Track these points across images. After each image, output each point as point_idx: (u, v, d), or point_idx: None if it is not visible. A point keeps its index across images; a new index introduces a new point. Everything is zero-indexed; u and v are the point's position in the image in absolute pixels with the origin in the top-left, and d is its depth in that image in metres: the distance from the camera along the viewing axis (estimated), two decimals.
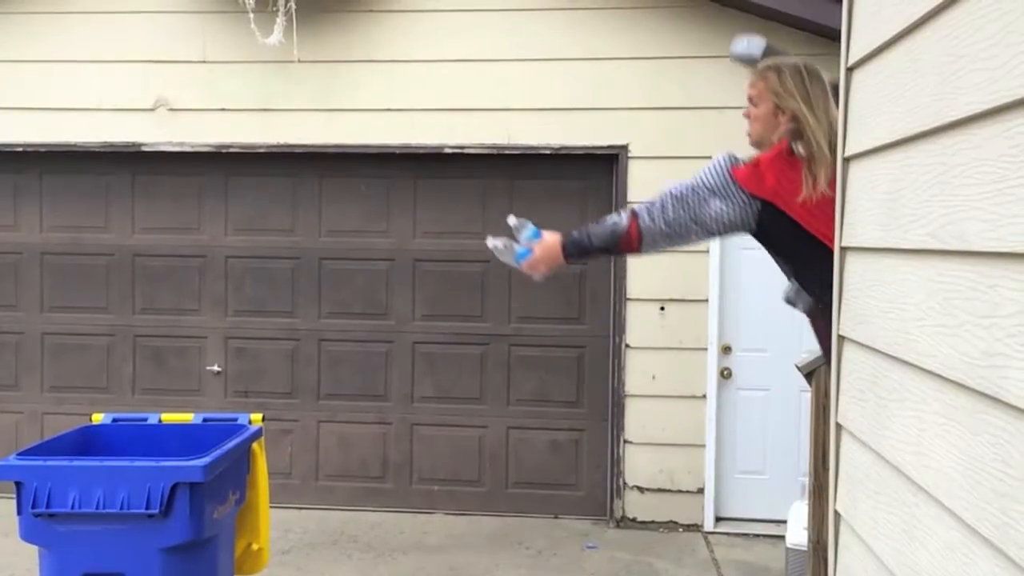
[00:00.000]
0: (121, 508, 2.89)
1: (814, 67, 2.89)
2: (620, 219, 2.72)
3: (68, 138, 5.75)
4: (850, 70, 2.27)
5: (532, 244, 2.81)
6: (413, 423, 5.84)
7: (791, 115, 2.80)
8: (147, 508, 2.88)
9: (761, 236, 2.80)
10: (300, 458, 5.88)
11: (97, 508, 2.90)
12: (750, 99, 2.95)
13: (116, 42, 5.70)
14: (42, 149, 5.80)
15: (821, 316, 2.66)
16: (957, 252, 1.56)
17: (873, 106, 2.07)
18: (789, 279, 2.91)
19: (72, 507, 2.90)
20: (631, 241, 2.72)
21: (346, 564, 4.91)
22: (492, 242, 2.91)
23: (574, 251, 2.78)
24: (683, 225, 2.71)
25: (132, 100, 5.70)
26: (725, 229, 2.75)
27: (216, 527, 3.12)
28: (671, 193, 2.75)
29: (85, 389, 5.96)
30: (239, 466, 3.36)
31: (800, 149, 2.72)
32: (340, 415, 5.88)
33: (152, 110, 5.71)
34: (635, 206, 2.79)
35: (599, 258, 2.71)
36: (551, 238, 2.80)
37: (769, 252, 2.88)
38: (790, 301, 2.92)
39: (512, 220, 2.91)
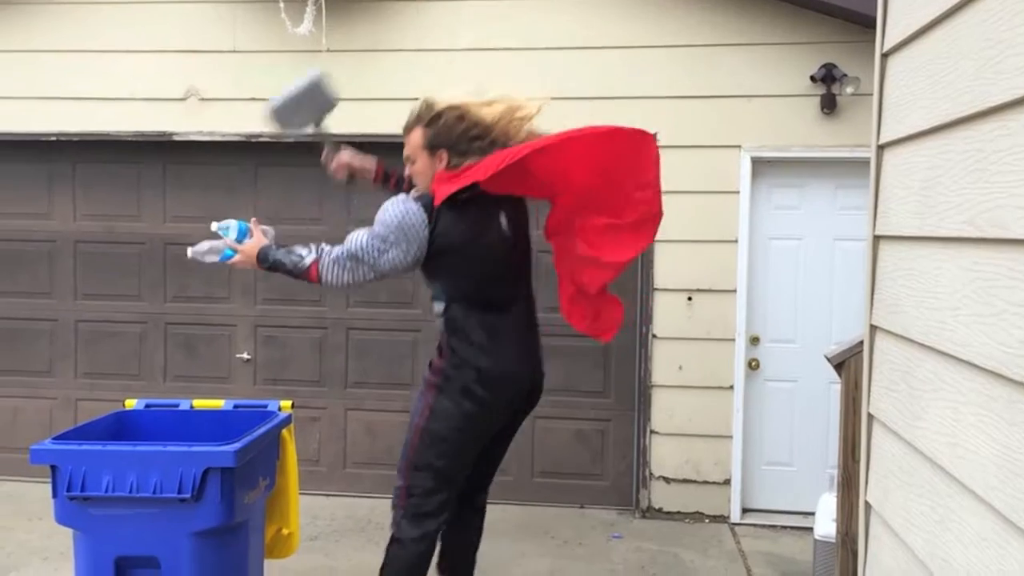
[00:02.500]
0: (154, 492, 2.92)
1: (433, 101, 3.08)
2: (304, 258, 2.94)
3: (101, 127, 5.81)
4: (885, 56, 2.24)
5: (237, 246, 3.08)
6: None
7: (442, 153, 2.99)
8: (179, 492, 2.91)
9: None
10: (328, 446, 5.93)
11: (130, 492, 2.93)
12: (407, 159, 3.11)
13: (148, 32, 5.75)
14: (75, 138, 5.88)
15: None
16: (995, 240, 1.54)
17: (909, 93, 2.05)
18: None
19: (106, 491, 2.93)
20: (312, 280, 2.97)
21: (373, 551, 4.93)
22: (193, 251, 3.19)
23: (266, 264, 3.04)
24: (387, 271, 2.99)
25: (164, 90, 5.76)
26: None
27: (247, 512, 3.14)
28: (349, 251, 2.96)
29: (118, 376, 6.04)
30: (269, 452, 3.39)
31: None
32: (367, 403, 5.91)
33: (183, 100, 5.76)
34: (323, 251, 2.98)
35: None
36: (252, 245, 3.07)
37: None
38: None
39: (215, 225, 3.18)
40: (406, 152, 3.08)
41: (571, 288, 3.19)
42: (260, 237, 3.07)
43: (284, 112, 3.09)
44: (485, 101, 3.03)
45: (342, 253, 2.90)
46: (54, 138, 5.88)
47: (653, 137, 3.11)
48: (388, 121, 5.64)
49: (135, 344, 6.08)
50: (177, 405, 3.64)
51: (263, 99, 5.66)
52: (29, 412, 6.11)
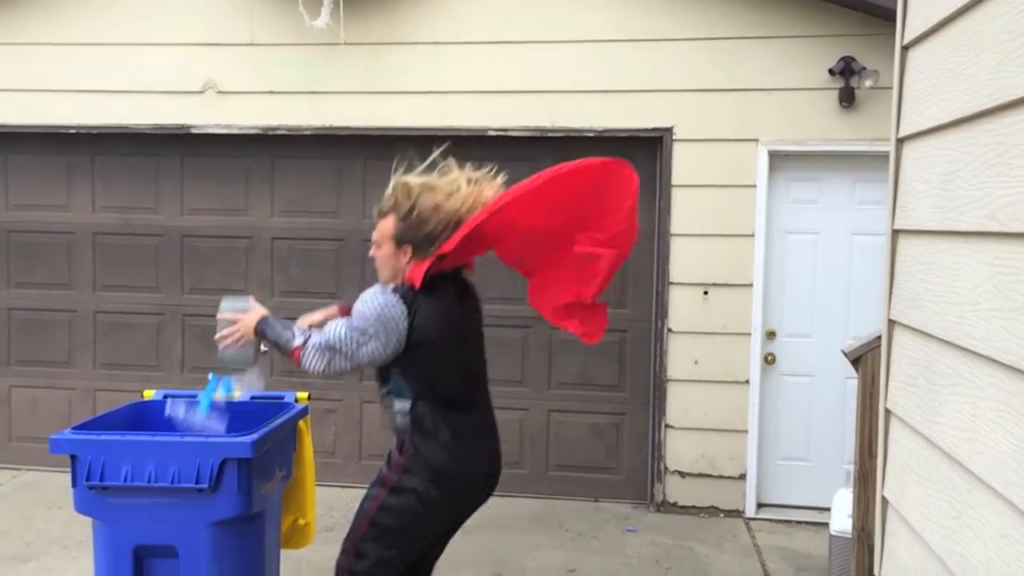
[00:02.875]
0: (172, 482, 2.95)
1: (413, 181, 3.08)
2: (292, 340, 2.92)
3: (119, 120, 5.85)
4: (905, 49, 2.22)
5: (238, 317, 3.04)
6: None
7: (407, 248, 2.98)
8: (196, 483, 2.93)
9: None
10: (343, 437, 5.96)
11: (148, 482, 2.95)
12: (375, 243, 3.12)
13: (166, 25, 5.78)
14: (94, 131, 5.92)
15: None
16: (1017, 234, 1.52)
17: (929, 85, 2.03)
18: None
19: (124, 480, 2.96)
20: (295, 362, 2.94)
21: None
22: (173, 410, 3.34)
23: (262, 333, 3.00)
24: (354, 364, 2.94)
25: (181, 83, 5.79)
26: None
27: (263, 502, 3.16)
28: (326, 343, 2.92)
29: (136, 367, 6.09)
30: (286, 443, 3.41)
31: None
32: None
33: (201, 93, 5.79)
34: (309, 338, 2.93)
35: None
36: (251, 316, 3.02)
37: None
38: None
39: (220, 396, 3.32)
40: (375, 235, 3.09)
41: (567, 296, 3.16)
42: (258, 307, 3.07)
43: (231, 358, 3.10)
44: (454, 187, 3.02)
45: (322, 342, 2.89)
46: (73, 130, 5.93)
47: (626, 163, 3.10)
48: (403, 114, 5.69)
49: (153, 335, 6.12)
50: (195, 396, 3.66)
51: (280, 92, 5.75)
52: (48, 402, 6.17)
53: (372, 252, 3.12)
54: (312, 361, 2.89)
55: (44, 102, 5.90)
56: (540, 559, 4.77)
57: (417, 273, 2.94)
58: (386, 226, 3.05)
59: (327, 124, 5.70)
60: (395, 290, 2.96)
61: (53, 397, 6.19)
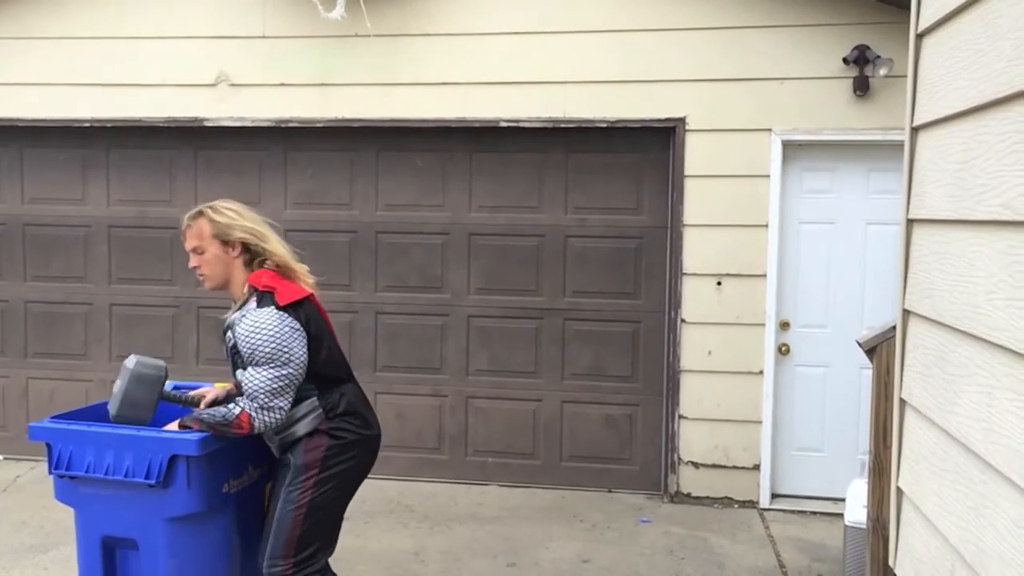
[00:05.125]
0: (126, 476, 2.96)
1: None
2: (230, 413, 2.93)
3: (133, 113, 5.88)
4: (920, 37, 2.20)
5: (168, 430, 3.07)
6: (468, 396, 5.89)
7: (239, 243, 3.07)
8: (147, 478, 2.94)
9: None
10: None
11: (106, 474, 2.98)
12: (195, 251, 3.12)
13: (179, 18, 5.80)
14: (108, 124, 5.95)
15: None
16: None
17: (944, 73, 2.01)
18: None
19: (87, 471, 2.99)
20: (246, 429, 2.94)
21: (402, 532, 4.99)
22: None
23: (203, 424, 2.99)
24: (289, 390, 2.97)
25: (195, 76, 5.81)
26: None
27: (227, 501, 3.09)
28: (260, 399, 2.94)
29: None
30: (259, 441, 3.23)
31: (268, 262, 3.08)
32: (396, 387, 5.95)
33: (214, 85, 5.81)
34: (244, 404, 2.94)
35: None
36: (184, 422, 3.06)
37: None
38: None
39: None
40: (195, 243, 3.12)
41: None
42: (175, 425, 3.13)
43: (126, 410, 3.09)
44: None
45: (254, 401, 2.91)
46: (88, 124, 5.96)
47: None
48: (415, 106, 5.70)
49: (168, 328, 6.16)
50: (197, 388, 3.66)
51: (293, 84, 5.76)
52: (65, 394, 6.22)
53: (195, 264, 3.17)
54: (262, 416, 2.92)
55: (58, 96, 5.94)
56: (554, 549, 4.79)
57: (286, 292, 3.05)
58: (205, 226, 3.15)
59: (340, 116, 5.71)
60: (262, 306, 2.98)
61: (70, 389, 6.24)
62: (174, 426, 3.08)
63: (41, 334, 6.30)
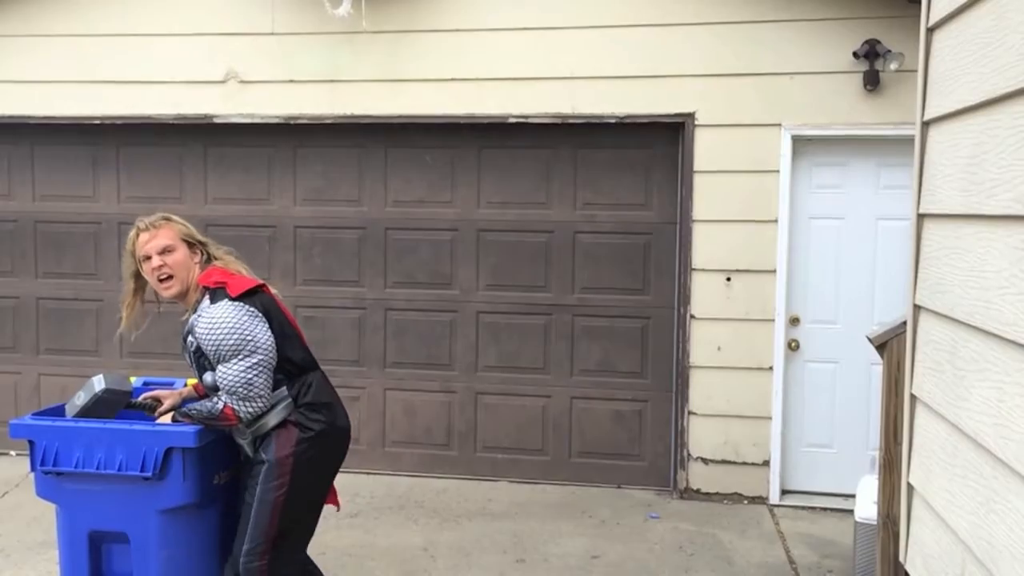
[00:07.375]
0: (119, 470, 2.98)
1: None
2: (215, 406, 2.97)
3: (143, 111, 5.90)
4: (930, 31, 2.19)
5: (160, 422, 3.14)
6: (478, 392, 5.90)
7: (199, 248, 3.20)
8: (142, 471, 2.96)
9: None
10: (368, 425, 6.00)
11: (97, 469, 2.99)
12: (166, 251, 3.20)
13: (188, 15, 5.81)
14: (119, 122, 5.97)
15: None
16: None
17: (955, 67, 2.01)
18: None
19: (76, 466, 3.01)
20: (231, 421, 2.97)
21: (412, 528, 5.01)
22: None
23: (188, 418, 3.04)
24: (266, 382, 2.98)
25: (204, 73, 5.82)
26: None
27: (218, 493, 3.14)
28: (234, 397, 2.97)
29: (162, 355, 6.15)
30: None
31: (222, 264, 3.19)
32: (406, 383, 5.97)
33: (223, 83, 5.82)
34: (220, 396, 2.98)
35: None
36: (167, 413, 3.17)
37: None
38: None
39: None
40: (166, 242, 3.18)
41: None
42: (167, 401, 3.25)
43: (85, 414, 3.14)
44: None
45: (233, 395, 2.93)
46: (98, 121, 5.98)
47: None
48: (424, 102, 5.70)
49: (176, 324, 6.16)
50: (172, 383, 3.69)
51: (302, 81, 5.77)
52: (76, 390, 6.23)
53: (160, 265, 3.26)
54: (245, 407, 2.94)
55: (69, 94, 5.96)
56: (563, 545, 4.79)
57: (237, 285, 3.10)
58: (173, 229, 3.28)
59: (349, 112, 5.72)
60: (215, 301, 3.04)
61: (81, 385, 6.24)
62: (167, 419, 3.11)
63: (52, 331, 6.33)
